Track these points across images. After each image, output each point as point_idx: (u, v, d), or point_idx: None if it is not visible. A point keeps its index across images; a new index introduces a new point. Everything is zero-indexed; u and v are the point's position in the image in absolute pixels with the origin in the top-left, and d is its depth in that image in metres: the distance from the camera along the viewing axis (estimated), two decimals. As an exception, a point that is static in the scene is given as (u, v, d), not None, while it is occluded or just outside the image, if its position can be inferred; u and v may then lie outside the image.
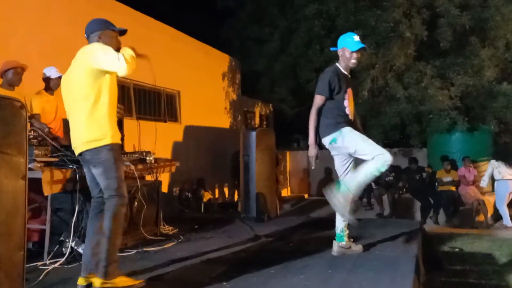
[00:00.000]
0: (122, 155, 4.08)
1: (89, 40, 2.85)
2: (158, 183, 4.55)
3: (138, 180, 3.97)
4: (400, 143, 11.91)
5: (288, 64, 10.93)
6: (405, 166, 10.31)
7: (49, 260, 3.28)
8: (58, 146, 3.42)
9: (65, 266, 3.18)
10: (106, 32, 2.83)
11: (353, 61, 3.40)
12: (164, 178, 6.83)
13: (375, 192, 9.79)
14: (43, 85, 4.48)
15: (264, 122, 14.32)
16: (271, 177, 5.63)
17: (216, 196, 10.28)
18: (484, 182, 8.77)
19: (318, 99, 3.33)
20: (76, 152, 2.84)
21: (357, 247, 3.51)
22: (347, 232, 3.49)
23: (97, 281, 2.65)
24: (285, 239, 4.20)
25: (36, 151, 3.29)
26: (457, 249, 6.40)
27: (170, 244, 3.99)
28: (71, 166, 3.30)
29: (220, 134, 10.61)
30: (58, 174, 3.27)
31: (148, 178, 4.61)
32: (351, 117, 3.41)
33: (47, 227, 3.42)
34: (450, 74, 9.71)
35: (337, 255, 3.41)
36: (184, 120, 9.40)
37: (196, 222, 4.98)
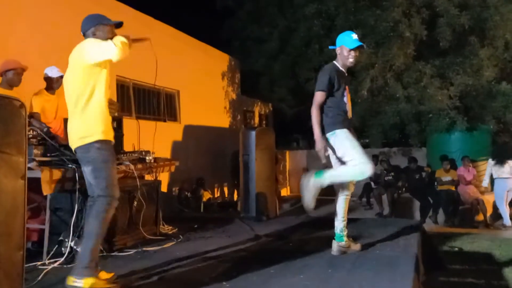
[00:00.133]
0: (122, 155, 4.10)
1: (85, 37, 2.85)
2: (157, 183, 4.54)
3: (137, 179, 3.97)
4: (399, 143, 11.93)
5: (288, 64, 10.93)
6: (405, 165, 10.33)
7: (48, 260, 3.27)
8: (57, 146, 3.41)
9: (64, 266, 3.16)
10: (100, 27, 2.83)
11: (351, 59, 3.40)
12: (164, 178, 6.83)
13: (375, 192, 9.80)
14: (42, 84, 4.48)
15: (264, 122, 14.33)
16: (271, 177, 5.63)
17: (216, 195, 10.28)
18: (485, 182, 8.79)
19: (319, 96, 3.33)
20: (73, 149, 2.85)
21: (357, 247, 3.51)
22: (346, 231, 3.49)
23: (69, 279, 2.62)
24: (285, 239, 4.20)
25: (35, 151, 3.29)
26: (456, 249, 6.41)
27: (170, 244, 3.98)
28: (70, 165, 3.29)
29: (220, 134, 10.61)
30: (57, 174, 3.26)
31: (148, 177, 4.60)
32: (349, 114, 3.44)
33: (46, 227, 3.42)
34: (449, 74, 9.72)
35: (336, 255, 3.41)
36: (183, 120, 9.40)
37: (195, 221, 4.97)
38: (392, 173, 9.90)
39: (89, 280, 2.59)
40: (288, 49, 10.91)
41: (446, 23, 9.36)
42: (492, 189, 8.94)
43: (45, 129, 3.70)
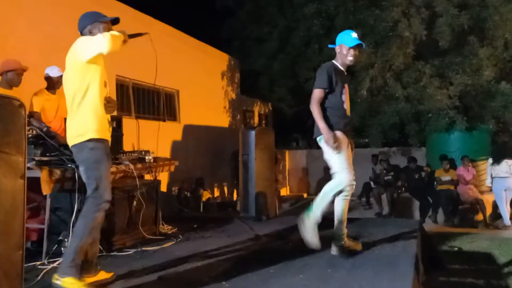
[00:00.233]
0: (122, 154, 4.09)
1: (82, 36, 2.85)
2: (157, 182, 4.54)
3: (137, 179, 3.97)
4: (399, 142, 11.93)
5: (287, 63, 10.93)
6: (404, 165, 10.33)
7: (47, 259, 3.27)
8: (56, 145, 3.40)
9: (64, 266, 3.16)
10: (96, 24, 2.82)
11: (350, 57, 3.40)
12: (163, 177, 6.83)
13: (374, 191, 9.81)
14: (42, 84, 4.47)
15: (263, 121, 14.33)
16: (270, 177, 5.63)
17: (215, 195, 10.28)
18: (488, 181, 8.78)
19: (317, 93, 3.32)
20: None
21: (357, 246, 3.51)
22: (346, 231, 3.49)
23: (54, 276, 2.63)
24: (285, 239, 4.20)
25: (35, 150, 3.28)
26: (456, 248, 6.41)
27: (169, 244, 3.98)
28: (69, 165, 3.28)
29: (219, 133, 10.61)
30: (57, 173, 3.25)
31: (147, 177, 4.60)
32: (348, 112, 3.45)
33: (46, 227, 3.41)
34: (449, 74, 9.72)
35: (336, 255, 3.41)
36: (183, 119, 9.39)
37: (195, 221, 4.97)
38: (392, 173, 9.91)
39: (69, 280, 2.58)
40: (288, 49, 10.91)
41: (445, 23, 9.36)
42: (491, 189, 8.96)
43: (44, 129, 3.69)
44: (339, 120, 3.35)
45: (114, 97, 6.81)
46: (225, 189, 10.96)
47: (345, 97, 3.41)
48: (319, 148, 3.42)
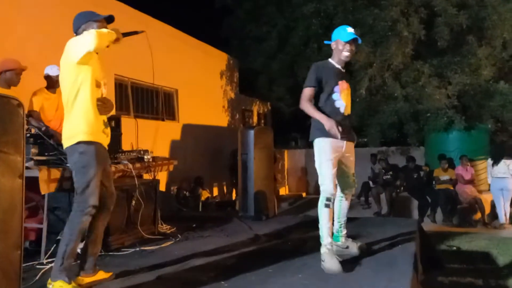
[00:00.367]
0: (120, 154, 4.09)
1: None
2: (156, 182, 4.54)
3: (135, 178, 3.96)
4: (397, 142, 11.94)
5: (286, 63, 10.92)
6: (403, 164, 10.35)
7: (46, 259, 3.27)
8: (55, 145, 3.40)
9: (63, 265, 3.16)
10: (90, 23, 2.81)
11: (346, 53, 3.30)
12: (162, 177, 6.83)
13: (373, 191, 9.82)
14: (41, 83, 4.46)
15: (262, 121, 14.33)
16: (269, 176, 5.63)
17: (214, 194, 10.27)
18: (489, 180, 8.79)
19: (305, 91, 3.24)
20: None
21: (355, 246, 3.50)
22: (344, 231, 3.49)
23: (48, 280, 2.64)
24: (283, 238, 4.20)
25: (33, 150, 3.27)
26: (454, 248, 6.43)
27: (168, 243, 3.98)
28: (68, 164, 3.27)
29: (218, 133, 10.61)
30: (55, 173, 3.25)
31: (146, 176, 4.60)
32: (344, 110, 3.26)
33: (44, 226, 3.41)
34: (447, 73, 9.74)
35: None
36: (182, 119, 9.38)
37: (194, 220, 4.97)
38: (391, 172, 9.92)
39: (58, 283, 2.60)
40: (287, 48, 10.90)
41: (444, 22, 9.37)
42: (489, 188, 8.98)
43: (43, 128, 3.68)
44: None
45: (112, 96, 6.83)
46: (224, 188, 10.96)
47: (338, 96, 3.26)
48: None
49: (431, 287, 4.33)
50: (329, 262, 3.01)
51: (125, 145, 4.56)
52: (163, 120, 8.88)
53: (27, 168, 2.95)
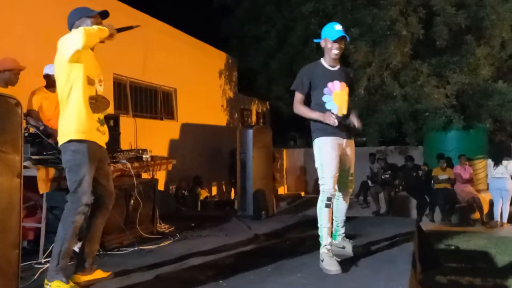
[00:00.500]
0: (119, 153, 4.08)
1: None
2: (154, 181, 4.53)
3: (134, 178, 3.96)
4: (396, 141, 11.95)
5: (285, 62, 10.92)
6: (401, 164, 10.36)
7: (44, 258, 3.26)
8: (53, 144, 3.39)
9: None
10: (83, 19, 2.79)
11: (335, 51, 3.25)
12: (161, 176, 6.81)
13: (372, 190, 9.83)
14: (39, 81, 4.44)
15: (261, 120, 14.33)
16: (268, 175, 5.63)
17: (213, 194, 10.27)
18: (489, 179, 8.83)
19: (296, 95, 3.31)
20: None
21: (350, 247, 3.47)
22: (342, 231, 3.48)
23: (45, 281, 2.64)
24: (282, 237, 4.20)
25: (31, 149, 3.27)
26: (453, 247, 6.44)
27: (167, 242, 3.97)
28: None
29: (217, 132, 10.61)
30: (54, 172, 3.24)
31: (145, 176, 4.59)
32: (337, 112, 3.17)
33: (43, 226, 3.40)
34: (446, 73, 9.75)
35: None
36: (180, 118, 9.38)
37: (192, 220, 4.97)
38: (389, 172, 9.93)
39: (55, 283, 2.59)
40: (286, 48, 10.90)
41: (442, 22, 9.38)
42: (487, 188, 9.00)
43: (41, 127, 3.68)
44: (321, 126, 3.17)
45: (111, 95, 6.82)
46: (223, 187, 10.96)
47: (329, 97, 3.20)
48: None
49: (429, 286, 4.34)
50: (328, 262, 3.01)
51: (124, 144, 4.55)
52: (161, 119, 8.87)
53: (25, 167, 2.95)
